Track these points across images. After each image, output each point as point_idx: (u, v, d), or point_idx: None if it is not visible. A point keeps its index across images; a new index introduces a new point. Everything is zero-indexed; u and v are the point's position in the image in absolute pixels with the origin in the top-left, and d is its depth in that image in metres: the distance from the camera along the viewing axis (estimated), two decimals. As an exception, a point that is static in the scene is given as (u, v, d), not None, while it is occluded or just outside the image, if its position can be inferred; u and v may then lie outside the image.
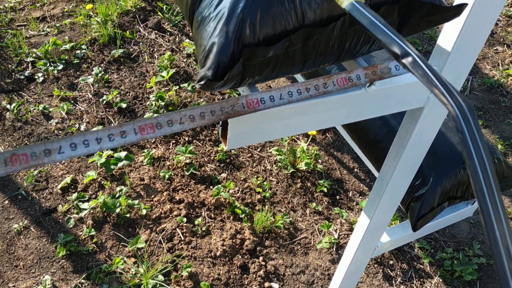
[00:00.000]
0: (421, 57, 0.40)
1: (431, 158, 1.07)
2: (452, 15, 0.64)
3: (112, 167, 2.00)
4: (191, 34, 2.80)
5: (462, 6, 0.62)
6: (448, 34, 0.70)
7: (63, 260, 1.74)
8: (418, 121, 0.80)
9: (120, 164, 2.00)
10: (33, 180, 2.01)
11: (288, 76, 0.84)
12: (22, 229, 1.84)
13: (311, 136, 2.27)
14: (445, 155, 1.10)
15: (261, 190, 2.05)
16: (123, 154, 2.02)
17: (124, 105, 2.31)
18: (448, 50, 0.71)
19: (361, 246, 1.08)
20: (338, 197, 2.08)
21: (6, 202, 1.93)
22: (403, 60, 0.40)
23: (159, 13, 2.89)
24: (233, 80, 0.56)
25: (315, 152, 2.17)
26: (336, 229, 1.94)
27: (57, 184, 2.01)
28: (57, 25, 2.74)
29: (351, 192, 2.10)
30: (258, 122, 0.65)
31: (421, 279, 1.82)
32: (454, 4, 0.65)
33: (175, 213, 1.92)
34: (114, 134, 0.49)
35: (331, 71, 1.31)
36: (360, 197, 2.08)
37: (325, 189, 2.07)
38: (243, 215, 1.93)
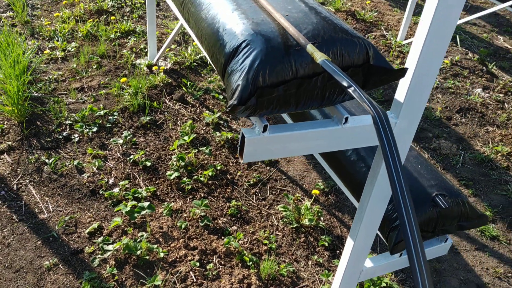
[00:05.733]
0: (358, 87, 0.71)
1: (406, 197, 1.34)
2: (399, 75, 0.96)
3: (136, 215, 2.27)
4: (211, 106, 3.19)
5: (404, 70, 0.94)
6: (400, 90, 1.01)
7: (88, 293, 1.95)
8: (384, 155, 1.09)
9: (143, 213, 2.27)
10: (64, 225, 2.28)
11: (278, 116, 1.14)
12: (52, 266, 2.08)
13: (314, 196, 2.53)
14: (417, 196, 1.36)
15: (268, 242, 2.28)
16: (146, 203, 2.30)
17: (148, 164, 2.63)
18: (401, 101, 1.02)
19: (348, 267, 1.32)
20: (338, 251, 2.29)
21: (39, 242, 2.19)
22: (349, 90, 0.71)
23: (183, 88, 3.31)
24: (249, 109, 0.87)
25: (318, 209, 2.43)
26: (335, 279, 2.13)
27: (84, 229, 2.27)
28: (94, 94, 3.16)
29: (350, 247, 2.31)
30: (265, 144, 0.95)
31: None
32: (400, 67, 0.97)
33: (189, 258, 2.15)
34: None
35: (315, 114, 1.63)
36: (358, 252, 2.29)
37: (326, 244, 2.29)
38: (250, 263, 2.15)
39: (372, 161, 1.40)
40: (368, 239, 1.27)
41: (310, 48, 0.83)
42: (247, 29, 0.93)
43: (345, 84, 0.72)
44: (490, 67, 4.00)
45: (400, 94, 1.02)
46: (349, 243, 1.28)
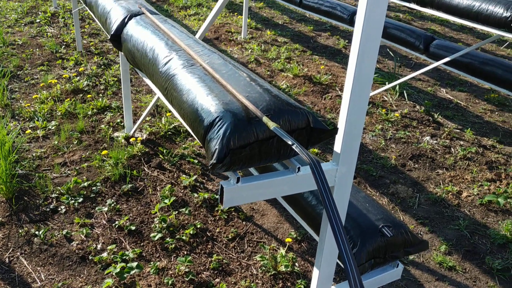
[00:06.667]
0: (299, 144, 1.04)
1: (358, 230, 1.66)
2: (333, 133, 1.31)
3: (125, 275, 2.48)
4: (187, 170, 3.49)
5: (336, 129, 1.30)
6: (337, 144, 1.36)
7: None
8: (333, 195, 1.42)
9: (132, 272, 2.49)
10: (57, 291, 2.46)
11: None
12: (49, 330, 2.24)
13: (288, 245, 2.81)
14: (367, 228, 1.68)
15: (249, 290, 2.52)
16: (134, 264, 2.52)
17: (133, 228, 2.87)
18: (339, 152, 1.36)
19: (317, 294, 1.59)
20: (313, 292, 2.54)
21: (35, 309, 2.36)
22: (292, 146, 1.04)
23: (160, 156, 3.61)
24: (225, 166, 1.19)
25: (292, 256, 2.70)
26: (313, 318, 2.37)
27: (77, 294, 2.46)
28: (76, 168, 3.43)
29: (323, 288, 2.57)
30: (239, 192, 1.26)
31: None
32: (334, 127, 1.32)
33: (177, 310, 2.36)
34: None
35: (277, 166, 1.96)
36: (332, 291, 2.55)
37: (302, 287, 2.54)
38: (234, 310, 2.37)
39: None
40: (330, 267, 1.56)
41: (265, 119, 1.17)
42: (219, 107, 1.27)
43: (289, 142, 1.05)
44: (436, 116, 4.51)
45: (337, 147, 1.36)
46: (315, 273, 1.57)
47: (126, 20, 2.14)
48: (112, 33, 2.16)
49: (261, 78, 1.44)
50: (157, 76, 1.63)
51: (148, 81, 1.95)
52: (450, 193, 3.42)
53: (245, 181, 1.27)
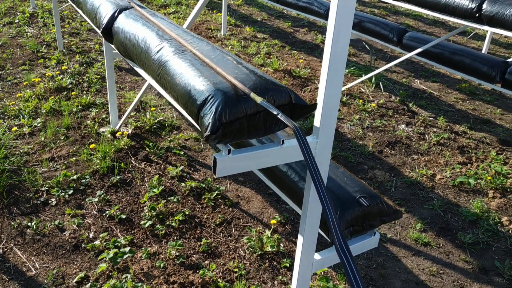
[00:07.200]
0: (283, 113, 1.19)
1: (337, 200, 1.82)
2: (313, 109, 1.47)
3: (119, 259, 2.60)
4: (173, 161, 3.62)
5: (315, 105, 1.46)
6: (316, 119, 1.53)
7: (84, 330, 2.24)
8: (314, 166, 1.58)
9: (125, 257, 2.61)
10: (53, 278, 2.57)
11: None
12: (47, 313, 2.35)
13: (272, 227, 2.97)
14: (345, 199, 1.85)
15: (237, 269, 2.67)
16: (127, 249, 2.65)
17: (123, 216, 2.99)
18: (318, 126, 1.53)
19: (302, 261, 1.76)
20: (298, 270, 2.70)
21: (32, 295, 2.46)
22: (278, 116, 1.19)
23: (146, 149, 3.73)
24: (217, 138, 1.34)
25: (277, 237, 2.86)
26: (299, 292, 2.54)
27: (72, 279, 2.57)
28: (65, 162, 3.52)
29: (308, 265, 2.74)
30: (230, 162, 1.41)
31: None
32: (312, 103, 1.49)
33: (170, 290, 2.49)
34: None
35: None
36: (316, 268, 2.72)
37: (288, 265, 2.71)
38: (224, 288, 2.52)
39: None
40: (313, 234, 1.73)
41: (253, 94, 1.33)
42: (210, 87, 1.42)
43: (275, 112, 1.21)
44: (410, 106, 4.73)
45: (316, 121, 1.53)
46: (299, 239, 1.73)
47: (116, 14, 2.27)
48: (103, 26, 2.28)
49: (246, 62, 1.59)
50: (150, 63, 1.76)
51: (140, 70, 2.09)
52: (425, 176, 3.63)
53: (235, 152, 1.42)
